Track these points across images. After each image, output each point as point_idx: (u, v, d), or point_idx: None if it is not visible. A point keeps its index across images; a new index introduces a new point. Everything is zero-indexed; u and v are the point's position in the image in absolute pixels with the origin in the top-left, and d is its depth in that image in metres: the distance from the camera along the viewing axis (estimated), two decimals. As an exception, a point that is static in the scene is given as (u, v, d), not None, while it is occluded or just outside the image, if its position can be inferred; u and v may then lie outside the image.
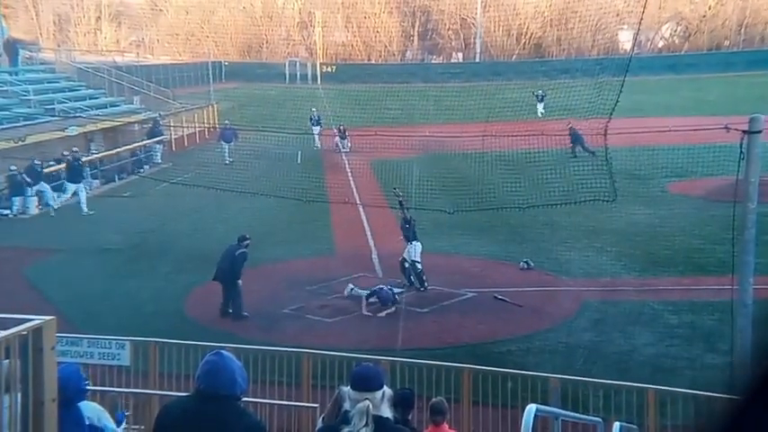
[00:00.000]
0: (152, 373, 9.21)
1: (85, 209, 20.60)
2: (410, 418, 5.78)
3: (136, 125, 30.28)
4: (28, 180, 20.63)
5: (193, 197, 20.48)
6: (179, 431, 3.36)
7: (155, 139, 29.22)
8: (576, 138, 25.55)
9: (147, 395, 8.25)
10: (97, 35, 62.39)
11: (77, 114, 25.78)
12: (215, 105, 36.37)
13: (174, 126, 31.03)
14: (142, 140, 29.13)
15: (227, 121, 28.85)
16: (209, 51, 49.96)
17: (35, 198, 21.53)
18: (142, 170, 26.96)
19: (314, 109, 31.21)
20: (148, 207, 21.10)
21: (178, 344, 9.17)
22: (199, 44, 60.35)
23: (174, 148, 30.50)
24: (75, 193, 21.14)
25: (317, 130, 30.36)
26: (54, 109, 26.26)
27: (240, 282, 12.78)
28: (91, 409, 4.82)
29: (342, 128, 29.58)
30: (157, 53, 59.62)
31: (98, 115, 27.36)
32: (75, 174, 20.81)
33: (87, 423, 4.67)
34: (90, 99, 29.93)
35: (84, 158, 22.33)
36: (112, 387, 8.55)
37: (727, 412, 1.17)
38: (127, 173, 26.55)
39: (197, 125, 32.53)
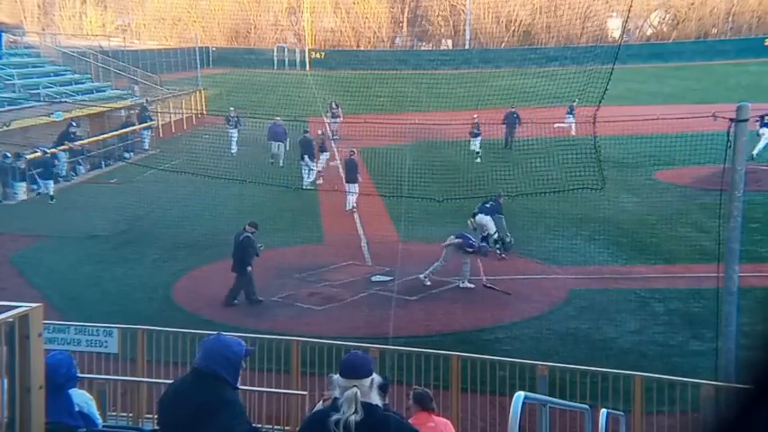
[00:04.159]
0: (140, 361, 9.19)
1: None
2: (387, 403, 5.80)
3: (122, 111, 30.01)
4: None
5: (182, 184, 20.36)
6: (173, 409, 3.59)
7: (143, 125, 28.96)
8: (511, 123, 25.92)
9: (136, 382, 8.23)
10: (82, 19, 61.59)
11: (63, 99, 25.48)
12: (203, 91, 36.09)
13: (161, 112, 30.77)
14: (130, 126, 28.86)
15: (277, 118, 24.42)
16: (196, 36, 49.48)
17: (23, 184, 21.32)
18: (127, 156, 26.71)
19: (231, 108, 27.54)
20: (136, 194, 20.95)
21: (166, 331, 9.14)
22: (186, 29, 59.74)
23: (161, 135, 30.28)
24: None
25: (234, 132, 26.23)
26: (39, 94, 25.95)
27: (249, 268, 12.68)
28: (80, 397, 4.83)
29: (334, 104, 28.71)
30: (144, 38, 58.99)
31: (84, 100, 27.07)
32: (353, 173, 18.98)
33: (77, 410, 4.67)
34: (75, 84, 29.60)
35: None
36: (100, 374, 8.52)
37: (739, 401, 1.16)
38: (113, 159, 26.34)
39: (185, 111, 32.28)
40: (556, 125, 26.81)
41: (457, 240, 13.47)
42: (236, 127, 26.29)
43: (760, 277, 12.53)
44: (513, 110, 26.37)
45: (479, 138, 24.95)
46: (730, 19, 61.60)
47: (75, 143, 23.99)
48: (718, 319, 9.18)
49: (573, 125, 27.02)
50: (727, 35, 60.92)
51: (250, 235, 12.73)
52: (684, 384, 8.28)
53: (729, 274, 9.02)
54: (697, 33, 61.78)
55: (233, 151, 25.52)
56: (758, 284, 12.14)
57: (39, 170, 21.05)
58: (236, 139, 26.22)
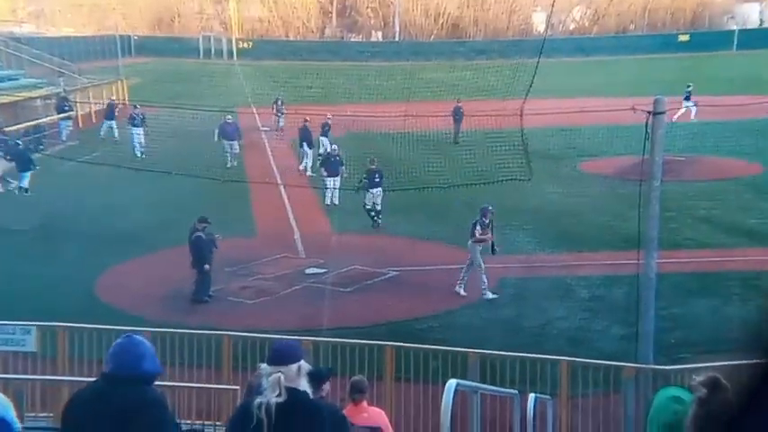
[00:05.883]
0: (61, 359, 8.81)
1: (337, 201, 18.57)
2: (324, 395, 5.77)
3: (38, 100, 28.60)
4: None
5: (103, 177, 19.58)
6: (85, 419, 3.31)
7: (61, 115, 27.66)
8: (458, 117, 26.03)
9: (56, 381, 7.90)
10: (-9, 3, 58.27)
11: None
12: (124, 81, 34.84)
13: (80, 102, 29.51)
14: (47, 116, 27.54)
15: (228, 117, 22.98)
16: (116, 24, 47.64)
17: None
18: (42, 147, 25.39)
19: (136, 105, 25.36)
20: (54, 187, 20.01)
21: (89, 328, 8.79)
22: (105, 16, 57.47)
23: (80, 125, 29.05)
24: None
25: (138, 132, 24.09)
26: (-55, 82, 24.42)
27: (207, 267, 12.33)
28: (-3, 401, 4.56)
29: (280, 101, 27.76)
30: (59, 25, 56.32)
31: (-5, 89, 25.64)
32: (334, 167, 18.34)
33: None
34: (-15, 72, 28.03)
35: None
36: (17, 374, 8.13)
37: (742, 395, 1.15)
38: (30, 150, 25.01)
39: (105, 101, 31.09)
40: (675, 117, 24.91)
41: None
42: (140, 126, 23.97)
43: (676, 263, 13.14)
44: (460, 104, 26.32)
45: (327, 138, 22.49)
46: (646, 15, 64.24)
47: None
48: (638, 304, 9.57)
49: (693, 110, 26.22)
50: (644, 30, 63.52)
51: (201, 234, 12.38)
52: (608, 367, 8.61)
53: (648, 261, 9.41)
54: (616, 28, 64.15)
55: (138, 154, 23.35)
56: (675, 270, 12.73)
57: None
58: (140, 140, 23.88)
